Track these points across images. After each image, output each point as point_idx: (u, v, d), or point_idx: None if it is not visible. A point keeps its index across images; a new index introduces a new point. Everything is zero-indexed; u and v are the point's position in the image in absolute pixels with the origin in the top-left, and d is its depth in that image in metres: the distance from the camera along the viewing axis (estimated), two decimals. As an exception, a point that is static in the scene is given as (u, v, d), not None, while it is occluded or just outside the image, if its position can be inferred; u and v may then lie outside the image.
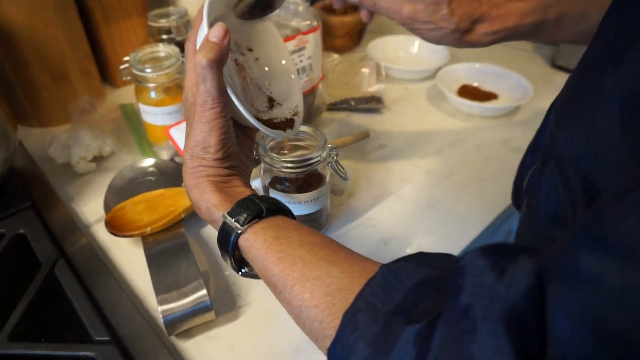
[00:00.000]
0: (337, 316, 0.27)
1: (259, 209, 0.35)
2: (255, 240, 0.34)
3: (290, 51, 0.65)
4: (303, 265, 0.31)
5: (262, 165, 0.52)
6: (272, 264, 0.32)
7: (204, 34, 0.36)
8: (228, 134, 0.37)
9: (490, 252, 0.22)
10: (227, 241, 0.35)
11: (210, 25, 0.36)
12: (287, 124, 0.44)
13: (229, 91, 0.36)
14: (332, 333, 0.27)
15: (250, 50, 0.45)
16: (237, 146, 0.39)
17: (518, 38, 0.51)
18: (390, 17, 0.49)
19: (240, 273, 0.37)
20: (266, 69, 0.46)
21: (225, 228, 0.35)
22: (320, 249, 0.32)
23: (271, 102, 0.45)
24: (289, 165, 0.48)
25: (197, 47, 0.37)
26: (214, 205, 0.36)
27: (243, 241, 0.35)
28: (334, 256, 0.31)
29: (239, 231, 0.34)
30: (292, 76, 0.46)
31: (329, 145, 0.51)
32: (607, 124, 0.24)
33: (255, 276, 0.37)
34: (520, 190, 0.45)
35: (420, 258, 0.29)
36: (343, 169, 0.53)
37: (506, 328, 0.19)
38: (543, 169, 0.34)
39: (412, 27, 0.49)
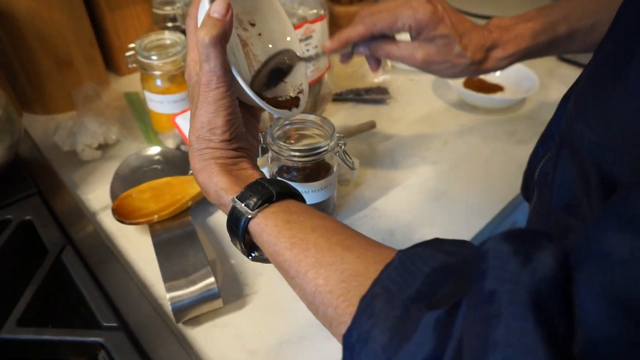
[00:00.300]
0: (353, 302, 0.27)
1: (269, 193, 0.34)
2: (266, 225, 0.33)
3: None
4: (316, 251, 0.31)
5: (269, 154, 0.52)
6: (284, 249, 0.32)
7: (205, 9, 0.34)
8: (235, 114, 0.36)
9: (512, 237, 0.22)
10: (237, 226, 0.34)
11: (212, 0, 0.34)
12: (292, 102, 0.42)
13: (233, 70, 0.35)
14: (347, 319, 0.27)
15: (253, 25, 0.43)
16: (243, 127, 0.38)
17: (532, 57, 0.51)
18: (405, 63, 0.49)
19: (250, 257, 0.37)
20: (270, 45, 0.44)
21: (235, 213, 0.34)
22: (334, 233, 0.32)
23: None
24: (297, 154, 0.48)
25: (199, 23, 0.36)
26: (222, 189, 0.35)
27: (254, 226, 0.34)
28: (348, 241, 0.31)
29: (249, 216, 0.34)
30: (297, 53, 0.44)
31: (337, 135, 0.51)
32: (630, 108, 0.24)
33: (265, 260, 0.36)
34: (531, 181, 0.45)
35: (437, 244, 0.29)
36: (350, 158, 0.53)
37: (532, 312, 0.19)
38: (558, 158, 0.34)
39: (428, 68, 0.49)
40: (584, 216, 0.31)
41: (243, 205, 0.34)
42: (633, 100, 0.24)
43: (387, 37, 0.49)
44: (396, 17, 0.46)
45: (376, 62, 0.52)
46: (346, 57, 0.52)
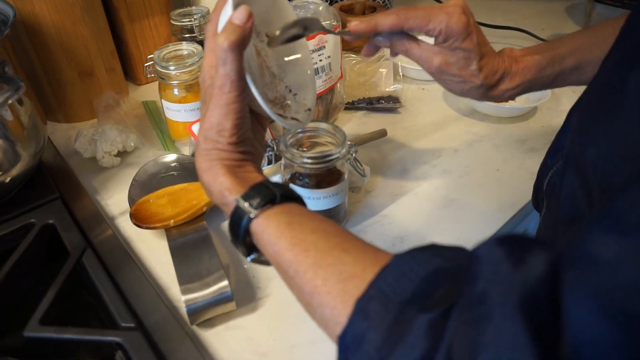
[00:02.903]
0: (350, 303, 0.27)
1: (272, 194, 0.35)
2: (267, 226, 0.34)
3: (310, 50, 0.66)
4: (316, 252, 0.31)
5: (282, 161, 0.53)
6: (284, 249, 0.32)
7: (227, 16, 0.36)
8: (243, 119, 0.37)
9: (505, 242, 0.23)
10: (239, 225, 0.35)
11: (235, 7, 0.36)
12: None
13: (247, 77, 0.36)
14: (343, 320, 0.27)
15: (269, 37, 0.45)
16: (251, 132, 0.39)
17: (538, 89, 0.51)
18: (420, 65, 0.50)
19: (249, 259, 0.37)
20: (284, 59, 0.45)
21: (238, 212, 0.35)
22: (334, 236, 0.32)
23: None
24: (309, 161, 0.50)
25: (219, 29, 0.37)
26: (226, 189, 0.36)
27: (255, 226, 0.34)
28: (347, 244, 0.31)
29: (252, 215, 0.34)
30: (308, 71, 0.45)
31: (348, 143, 0.52)
32: (628, 125, 0.25)
33: (265, 262, 0.37)
34: (541, 192, 0.46)
35: (433, 249, 0.29)
36: (361, 166, 0.55)
37: (522, 314, 0.19)
38: (564, 170, 0.35)
39: (439, 77, 0.50)
40: None
41: (246, 204, 0.35)
42: (631, 115, 0.25)
43: (410, 35, 0.50)
44: (430, 18, 0.46)
45: (374, 48, 0.52)
46: (371, 50, 0.52)
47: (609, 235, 0.18)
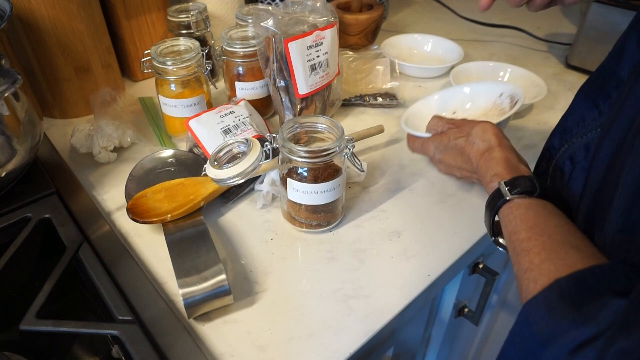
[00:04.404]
0: (550, 280, 0.31)
1: (533, 187, 0.43)
2: (517, 208, 0.42)
3: (307, 46, 0.66)
4: (548, 238, 0.35)
5: (280, 155, 0.53)
6: (521, 229, 0.39)
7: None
8: None
9: None
10: (494, 205, 0.45)
11: None
12: None
13: None
14: (537, 290, 0.31)
15: None
16: None
17: None
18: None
19: (492, 238, 0.49)
20: None
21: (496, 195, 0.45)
22: (572, 236, 0.36)
23: None
24: (307, 155, 0.50)
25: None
26: (496, 174, 0.48)
27: (506, 208, 0.43)
28: (582, 245, 0.35)
29: (508, 198, 0.43)
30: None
31: (346, 137, 0.52)
32: None
33: (502, 246, 0.47)
34: (543, 176, 0.47)
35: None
36: (359, 161, 0.55)
37: None
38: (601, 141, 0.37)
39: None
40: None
41: (507, 188, 0.44)
42: None
43: None
44: None
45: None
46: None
47: None
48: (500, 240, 0.49)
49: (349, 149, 0.52)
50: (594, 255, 0.34)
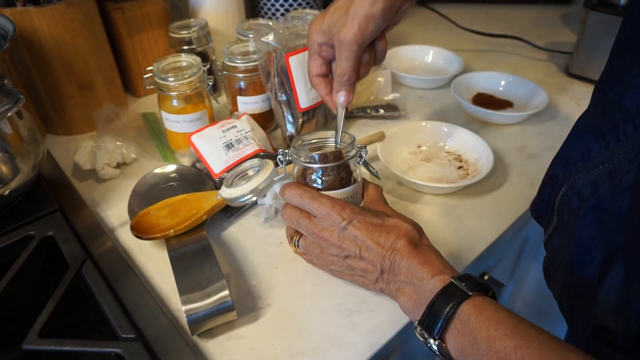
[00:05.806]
0: None
1: (485, 286, 0.39)
2: (485, 309, 0.36)
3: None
4: (539, 344, 0.32)
5: (294, 169, 0.53)
6: (504, 335, 0.34)
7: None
8: None
9: None
10: (448, 303, 0.38)
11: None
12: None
13: None
14: None
15: None
16: None
17: None
18: None
19: (435, 344, 0.40)
20: None
21: (450, 289, 0.39)
22: (551, 336, 0.34)
23: None
24: (321, 159, 0.50)
25: None
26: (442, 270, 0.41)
27: (468, 307, 0.37)
28: (570, 345, 0.32)
29: (470, 293, 0.37)
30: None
31: (358, 145, 0.52)
32: None
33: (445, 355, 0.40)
34: (549, 206, 0.45)
35: None
36: (374, 168, 0.55)
37: None
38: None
39: None
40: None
41: (463, 284, 0.38)
42: None
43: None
44: None
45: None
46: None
47: None
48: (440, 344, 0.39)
49: (362, 156, 0.52)
50: (583, 354, 0.32)
